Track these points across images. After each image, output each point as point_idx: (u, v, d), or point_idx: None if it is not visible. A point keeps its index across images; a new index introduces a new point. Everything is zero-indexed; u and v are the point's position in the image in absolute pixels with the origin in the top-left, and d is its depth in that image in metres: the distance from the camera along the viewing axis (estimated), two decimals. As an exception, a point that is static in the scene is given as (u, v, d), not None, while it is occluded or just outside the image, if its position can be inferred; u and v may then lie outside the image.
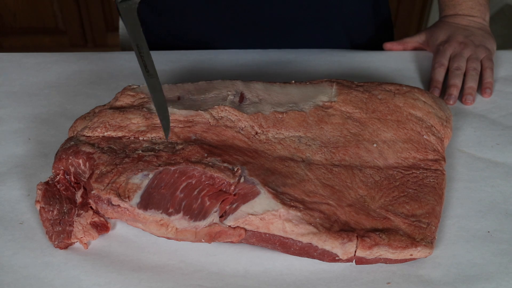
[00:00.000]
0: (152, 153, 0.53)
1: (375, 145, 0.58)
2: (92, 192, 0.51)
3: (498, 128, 0.71)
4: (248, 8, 0.89)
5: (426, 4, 2.15)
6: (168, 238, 0.51)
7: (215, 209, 0.50)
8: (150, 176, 0.51)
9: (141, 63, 0.54)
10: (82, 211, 0.53)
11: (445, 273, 0.50)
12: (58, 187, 0.55)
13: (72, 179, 0.55)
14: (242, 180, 0.51)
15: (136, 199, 0.50)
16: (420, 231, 0.51)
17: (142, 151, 0.54)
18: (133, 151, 0.54)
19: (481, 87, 0.78)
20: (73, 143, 0.56)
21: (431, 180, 0.56)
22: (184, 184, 0.51)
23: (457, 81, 0.77)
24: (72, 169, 0.55)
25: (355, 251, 0.49)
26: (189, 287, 0.49)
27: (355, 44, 0.98)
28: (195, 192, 0.50)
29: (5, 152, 0.65)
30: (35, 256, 0.52)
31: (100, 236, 0.54)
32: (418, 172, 0.56)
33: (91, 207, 0.53)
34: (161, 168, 0.51)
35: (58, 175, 0.55)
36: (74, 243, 0.53)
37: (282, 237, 0.50)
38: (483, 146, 0.67)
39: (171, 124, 0.57)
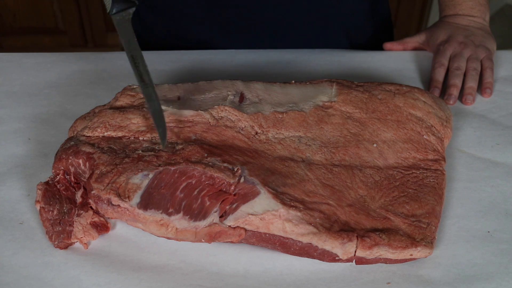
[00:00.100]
0: (152, 153, 0.53)
1: (375, 145, 0.58)
2: (92, 192, 0.51)
3: (498, 128, 0.71)
4: (248, 8, 0.89)
5: (426, 4, 2.15)
6: (168, 238, 0.51)
7: (215, 209, 0.50)
8: (150, 176, 0.51)
9: (136, 73, 0.55)
10: (82, 211, 0.53)
11: (445, 273, 0.50)
12: (58, 187, 0.55)
13: (72, 179, 0.55)
14: (242, 180, 0.51)
15: (136, 199, 0.50)
16: (420, 231, 0.51)
17: (142, 151, 0.54)
18: (133, 151, 0.54)
19: (481, 87, 0.78)
20: (73, 143, 0.56)
21: (431, 180, 0.56)
22: (184, 184, 0.51)
23: (457, 81, 0.77)
24: (72, 169, 0.55)
25: (355, 251, 0.49)
26: (189, 287, 0.49)
27: (354, 44, 0.98)
28: (195, 192, 0.50)
29: (5, 152, 0.65)
30: (35, 256, 0.52)
31: (100, 236, 0.54)
32: (418, 172, 0.56)
33: (91, 207, 0.53)
34: (161, 168, 0.51)
35: (58, 175, 0.55)
36: (74, 243, 0.53)
37: (282, 237, 0.50)
38: (483, 146, 0.67)
39: (171, 124, 0.57)
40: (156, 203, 0.50)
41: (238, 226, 0.50)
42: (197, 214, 0.50)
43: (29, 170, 0.63)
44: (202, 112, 0.59)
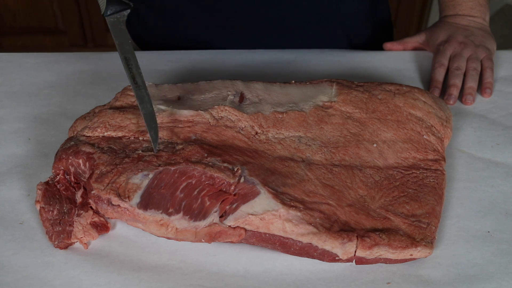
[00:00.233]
0: (152, 153, 0.53)
1: (375, 145, 0.58)
2: (92, 192, 0.51)
3: (498, 128, 0.71)
4: (248, 8, 0.89)
5: (426, 4, 2.15)
6: (168, 238, 0.51)
7: (215, 209, 0.50)
8: (150, 176, 0.51)
9: (129, 75, 0.55)
10: (82, 211, 0.53)
11: (445, 273, 0.50)
12: (58, 187, 0.55)
13: (72, 179, 0.55)
14: (242, 180, 0.51)
15: (136, 199, 0.50)
16: (420, 231, 0.51)
17: (142, 151, 0.54)
18: (133, 151, 0.54)
19: (481, 87, 0.78)
20: (73, 143, 0.56)
21: (431, 180, 0.56)
22: (184, 184, 0.51)
23: (457, 81, 0.77)
24: (72, 169, 0.55)
25: (355, 251, 0.49)
26: (189, 287, 0.49)
27: (354, 44, 0.98)
28: (195, 192, 0.50)
29: (5, 152, 0.65)
30: (35, 256, 0.52)
31: (100, 236, 0.54)
32: (418, 172, 0.56)
33: (91, 207, 0.53)
34: (161, 168, 0.51)
35: (58, 175, 0.55)
36: (74, 243, 0.53)
37: (282, 237, 0.50)
38: (483, 146, 0.67)
39: (171, 124, 0.57)
40: (156, 203, 0.50)
41: (238, 226, 0.50)
42: (197, 214, 0.50)
43: (29, 170, 0.63)
44: (202, 112, 0.59)
